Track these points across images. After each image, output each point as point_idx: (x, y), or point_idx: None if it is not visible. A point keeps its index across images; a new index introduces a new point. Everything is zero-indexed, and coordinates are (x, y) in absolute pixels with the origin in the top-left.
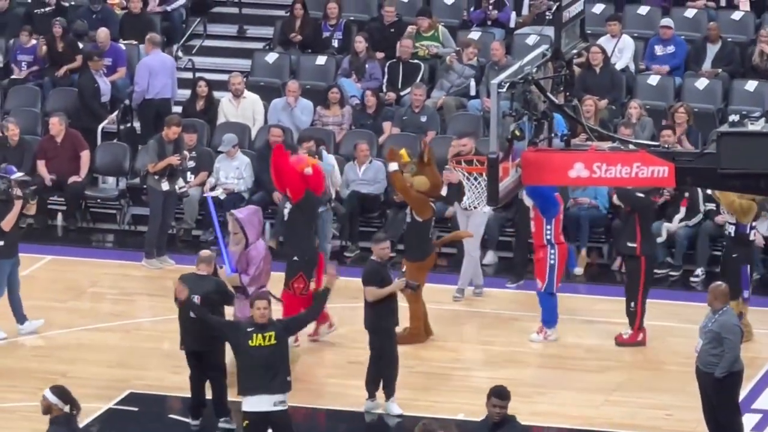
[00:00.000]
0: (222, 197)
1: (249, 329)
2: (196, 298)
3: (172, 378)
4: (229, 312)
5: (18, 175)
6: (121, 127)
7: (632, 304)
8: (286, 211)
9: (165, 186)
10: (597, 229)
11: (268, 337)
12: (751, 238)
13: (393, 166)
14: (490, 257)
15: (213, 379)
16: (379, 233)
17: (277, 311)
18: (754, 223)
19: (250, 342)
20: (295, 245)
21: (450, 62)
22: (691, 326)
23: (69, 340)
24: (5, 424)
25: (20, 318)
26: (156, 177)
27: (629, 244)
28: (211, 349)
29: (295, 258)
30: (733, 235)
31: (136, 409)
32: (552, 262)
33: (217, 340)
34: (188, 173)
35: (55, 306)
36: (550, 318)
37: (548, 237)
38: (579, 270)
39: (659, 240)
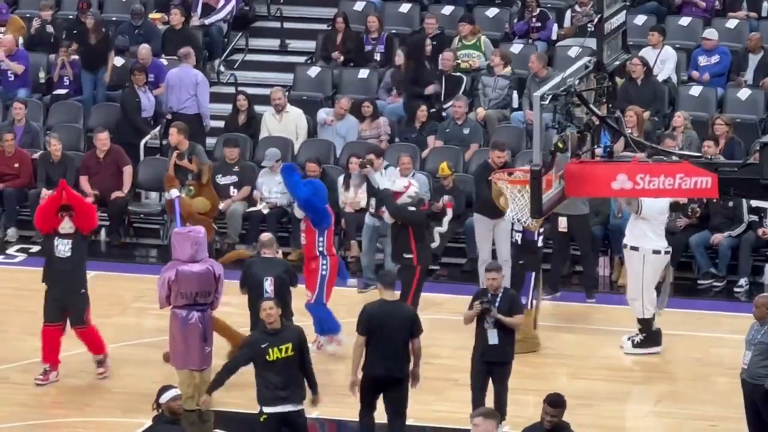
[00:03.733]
0: (265, 212)
1: (264, 345)
2: (269, 280)
3: (217, 393)
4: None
5: None
6: (164, 142)
7: None
8: (64, 247)
9: None
10: None
11: (285, 349)
12: (540, 244)
13: (174, 193)
14: None
15: None
16: (492, 262)
17: None
18: (541, 230)
19: (267, 357)
20: (83, 277)
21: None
22: (735, 337)
23: (113, 356)
24: None
25: None
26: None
27: (405, 256)
28: None
29: (83, 290)
30: (519, 242)
31: None
32: (323, 273)
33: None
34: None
35: (100, 321)
36: (331, 327)
37: (320, 249)
38: (352, 281)
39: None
